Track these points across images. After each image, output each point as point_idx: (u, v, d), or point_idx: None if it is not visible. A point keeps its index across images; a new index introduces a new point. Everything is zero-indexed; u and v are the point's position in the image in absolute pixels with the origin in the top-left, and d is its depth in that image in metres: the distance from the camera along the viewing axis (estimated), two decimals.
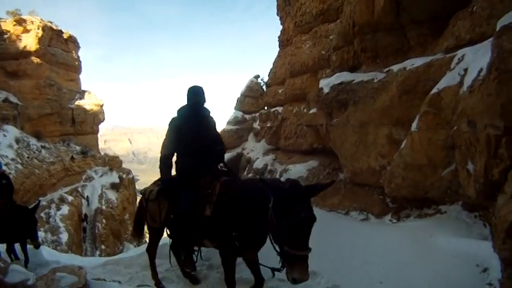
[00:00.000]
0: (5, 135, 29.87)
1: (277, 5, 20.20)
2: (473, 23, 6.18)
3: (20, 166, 27.41)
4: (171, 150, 4.21)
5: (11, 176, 25.92)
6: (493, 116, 4.18)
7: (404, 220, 7.13)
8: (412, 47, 8.59)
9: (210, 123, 4.41)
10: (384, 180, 8.05)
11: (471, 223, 5.83)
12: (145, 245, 5.61)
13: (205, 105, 4.39)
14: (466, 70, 5.51)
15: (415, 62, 7.70)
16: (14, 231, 7.30)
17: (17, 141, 30.80)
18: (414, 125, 7.05)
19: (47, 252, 8.22)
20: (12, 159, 28.04)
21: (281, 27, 20.07)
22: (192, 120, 4.16)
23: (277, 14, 20.22)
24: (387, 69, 9.05)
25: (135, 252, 7.93)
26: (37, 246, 7.32)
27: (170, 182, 4.23)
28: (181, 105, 4.36)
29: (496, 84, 4.12)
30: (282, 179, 11.81)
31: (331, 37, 13.48)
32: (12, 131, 31.41)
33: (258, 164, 18.34)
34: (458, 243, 5.11)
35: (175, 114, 4.30)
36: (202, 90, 4.31)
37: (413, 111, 7.35)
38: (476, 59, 5.25)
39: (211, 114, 4.48)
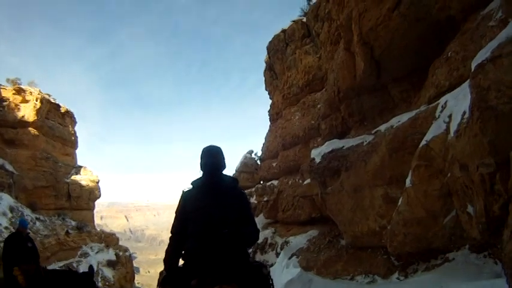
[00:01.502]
0: None
1: (265, 80, 21.08)
2: (450, 68, 6.38)
3: None
4: (179, 231, 3.21)
5: (2, 245, 24.70)
6: (483, 155, 4.10)
7: (412, 276, 6.69)
8: (397, 104, 8.78)
9: (236, 197, 3.17)
10: (385, 239, 7.69)
11: (481, 264, 5.54)
12: None
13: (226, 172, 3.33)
14: (450, 116, 5.53)
15: (401, 119, 7.79)
16: None
17: (11, 210, 29.94)
18: (408, 181, 6.91)
19: None
20: (6, 228, 27.07)
21: (270, 101, 20.72)
22: (206, 192, 3.12)
23: (266, 89, 21.01)
24: (375, 130, 9.16)
25: None
26: None
27: (175, 271, 3.18)
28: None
29: (480, 123, 4.10)
30: (283, 252, 11.25)
31: (318, 106, 13.85)
32: (7, 199, 30.69)
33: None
34: (470, 286, 4.71)
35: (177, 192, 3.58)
36: (221, 151, 3.27)
37: (405, 167, 7.26)
38: (458, 103, 5.31)
39: (239, 186, 3.31)
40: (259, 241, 17.20)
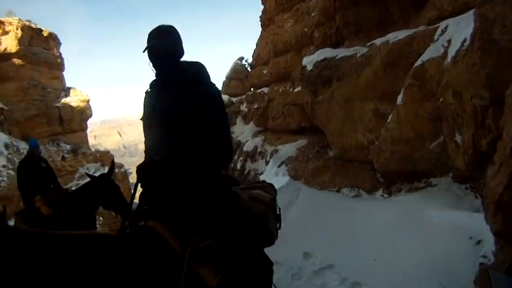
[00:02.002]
0: None
1: None
2: None
3: (12, 172, 26.79)
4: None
5: (3, 183, 25.55)
6: (478, 86, 4.13)
7: (395, 194, 7.13)
8: (395, 20, 8.45)
9: (194, 96, 2.12)
10: (372, 155, 8.02)
11: (462, 195, 5.81)
12: None
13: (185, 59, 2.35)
14: (449, 41, 5.44)
15: (398, 35, 7.60)
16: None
17: (7, 147, 30.15)
18: (399, 98, 7.00)
19: None
20: (4, 166, 27.52)
21: (262, 6, 19.63)
22: (154, 95, 2.32)
23: None
24: (370, 43, 8.93)
25: None
26: None
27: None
28: None
29: (480, 53, 4.07)
30: (273, 160, 11.54)
31: (313, 14, 13.20)
32: (1, 137, 30.78)
33: (248, 147, 18.20)
34: (451, 216, 5.10)
35: None
36: (171, 31, 2.29)
37: (398, 84, 7.28)
38: (459, 29, 5.18)
39: (204, 77, 2.29)
40: (249, 149, 17.73)
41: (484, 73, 3.99)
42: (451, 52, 5.13)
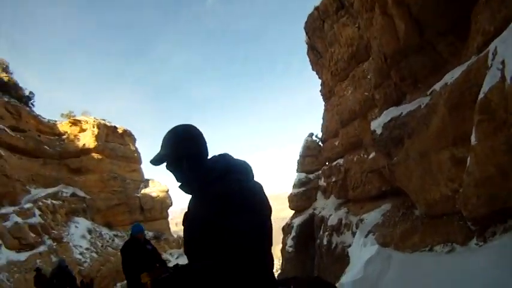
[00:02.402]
0: (76, 227, 31.94)
1: (310, 61, 20.63)
2: (491, 11, 5.80)
3: (94, 255, 28.77)
4: None
5: (86, 264, 27.10)
6: None
7: (490, 240, 6.23)
8: (446, 59, 8.18)
9: (207, 203, 1.87)
10: (459, 204, 7.24)
11: None
12: None
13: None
14: (503, 63, 5.05)
15: (453, 74, 7.26)
16: None
17: (89, 231, 32.72)
18: (473, 138, 6.43)
19: None
20: (87, 249, 29.68)
21: (320, 80, 20.31)
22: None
23: (313, 69, 20.58)
24: (430, 90, 8.63)
25: None
26: None
27: None
28: None
29: None
30: (359, 231, 10.95)
31: (368, 76, 13.32)
32: (84, 223, 33.52)
33: (332, 221, 17.63)
34: None
35: None
36: (172, 134, 2.03)
37: (468, 124, 6.75)
38: (508, 47, 4.84)
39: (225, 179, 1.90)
40: (334, 223, 17.09)
41: None
42: (509, 73, 4.72)
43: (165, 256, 36.69)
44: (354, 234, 14.03)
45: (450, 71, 7.66)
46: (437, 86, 8.19)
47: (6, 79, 33.58)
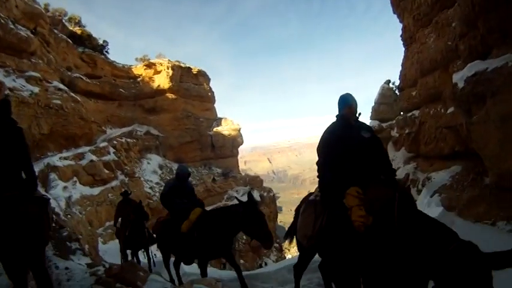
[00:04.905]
0: (148, 163, 34.60)
1: (391, 3, 18.73)
2: None
3: None
4: None
5: (155, 198, 29.53)
6: None
7: None
8: None
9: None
10: None
11: None
12: (284, 261, 5.68)
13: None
14: None
15: None
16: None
17: (160, 167, 35.29)
18: None
19: None
20: (157, 183, 32.27)
21: (401, 25, 18.53)
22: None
23: (394, 12, 18.74)
24: None
25: (272, 267, 8.12)
26: None
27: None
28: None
29: None
30: (425, 189, 10.67)
31: (453, 24, 11.85)
32: (156, 159, 36.09)
33: (400, 175, 16.94)
34: None
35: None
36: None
37: None
38: None
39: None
40: (401, 177, 16.46)
41: None
42: None
43: (230, 193, 38.77)
44: (419, 192, 13.47)
45: None
46: None
47: (79, 32, 35.98)
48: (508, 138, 8.41)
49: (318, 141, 3.83)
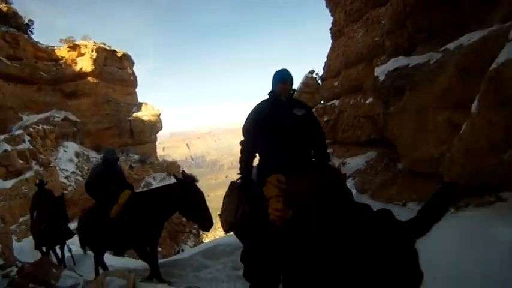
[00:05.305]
0: (65, 151, 32.77)
1: None
2: None
3: (80, 178, 29.74)
4: None
5: (70, 188, 28.10)
6: None
7: (463, 210, 6.51)
8: (468, 21, 7.82)
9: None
10: (443, 168, 7.44)
11: None
12: (199, 246, 5.70)
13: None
14: None
15: (471, 37, 7.03)
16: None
17: (77, 155, 33.52)
18: (474, 107, 6.43)
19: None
20: (73, 172, 30.59)
21: (332, 18, 19.46)
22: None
23: (327, 6, 19.61)
24: (443, 48, 8.39)
25: (189, 253, 8.13)
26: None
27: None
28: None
29: None
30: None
31: (383, 22, 12.80)
32: (72, 146, 34.19)
33: None
34: None
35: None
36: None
37: (473, 91, 6.68)
38: None
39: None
40: None
41: None
42: None
43: (148, 179, 37.67)
44: None
45: (468, 33, 7.40)
46: (451, 45, 7.95)
47: (5, 9, 33.48)
48: (421, 128, 9.27)
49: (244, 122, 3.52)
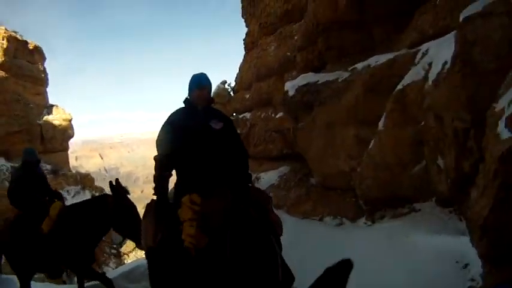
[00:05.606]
0: None
1: (242, 7, 19.76)
2: (436, 16, 6.09)
3: None
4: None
5: None
6: (459, 108, 4.03)
7: (379, 221, 6.93)
8: (377, 44, 8.44)
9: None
10: (354, 182, 7.83)
11: (446, 219, 5.68)
12: (118, 268, 5.20)
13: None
14: (430, 64, 5.39)
15: (379, 59, 7.56)
16: None
17: None
18: (381, 124, 6.88)
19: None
20: None
21: (246, 29, 19.71)
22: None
23: (242, 16, 19.83)
24: (352, 67, 8.89)
25: (110, 276, 7.49)
26: None
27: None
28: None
29: (461, 76, 3.98)
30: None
31: (296, 37, 13.27)
32: None
33: None
34: (436, 241, 4.97)
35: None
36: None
37: (379, 109, 7.16)
38: (440, 52, 5.13)
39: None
40: None
41: (464, 95, 3.90)
42: (432, 75, 5.05)
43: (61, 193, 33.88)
44: None
45: (377, 55, 7.94)
46: (360, 65, 8.46)
47: None
48: (330, 143, 9.67)
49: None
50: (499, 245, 3.08)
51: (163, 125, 3.04)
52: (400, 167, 6.24)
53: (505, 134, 3.05)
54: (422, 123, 5.37)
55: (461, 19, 3.83)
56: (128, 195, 4.80)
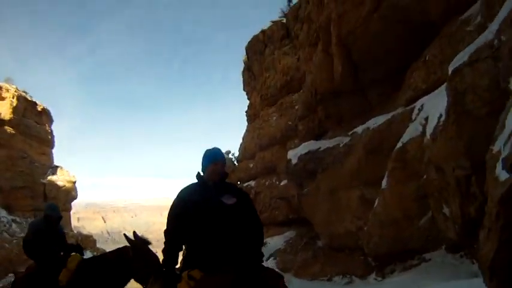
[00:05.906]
0: None
1: (243, 81, 20.90)
2: (427, 71, 6.47)
3: None
4: None
5: None
6: (458, 157, 4.14)
7: (389, 276, 6.72)
8: (374, 106, 8.84)
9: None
10: (362, 241, 7.75)
11: (458, 264, 5.59)
12: None
13: None
14: (426, 119, 5.60)
15: (377, 121, 7.85)
16: None
17: None
18: (384, 183, 6.97)
19: None
20: None
21: (248, 102, 20.60)
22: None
23: (244, 90, 20.85)
24: (352, 131, 9.20)
25: None
26: None
27: None
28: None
29: (456, 126, 4.15)
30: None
31: (296, 107, 13.85)
32: None
33: None
34: (448, 286, 4.75)
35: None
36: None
37: (381, 169, 7.30)
38: (434, 106, 5.36)
39: None
40: None
41: (461, 144, 4.04)
42: (429, 129, 5.24)
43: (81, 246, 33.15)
44: None
45: (375, 117, 8.28)
46: (359, 129, 8.77)
47: None
48: (336, 206, 9.71)
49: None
50: (509, 285, 3.01)
51: (174, 200, 3.03)
52: (407, 221, 6.22)
53: (503, 175, 3.10)
54: (425, 176, 5.46)
55: (450, 71, 4.11)
56: (150, 245, 4.69)
